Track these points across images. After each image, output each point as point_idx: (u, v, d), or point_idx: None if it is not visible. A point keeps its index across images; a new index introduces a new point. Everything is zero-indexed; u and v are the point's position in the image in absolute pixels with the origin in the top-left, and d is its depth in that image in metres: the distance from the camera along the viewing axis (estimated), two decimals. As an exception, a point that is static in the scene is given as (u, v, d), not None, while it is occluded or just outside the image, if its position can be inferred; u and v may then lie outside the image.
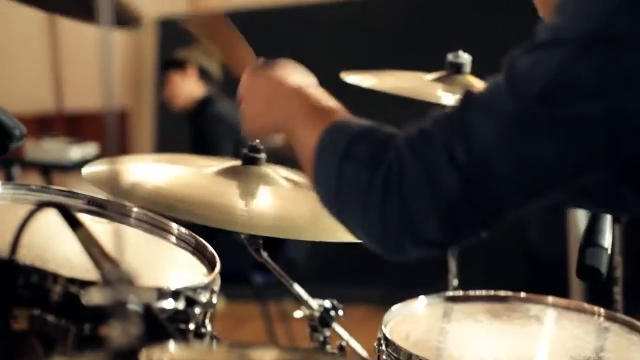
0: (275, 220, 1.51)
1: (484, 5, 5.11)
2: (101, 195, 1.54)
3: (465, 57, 2.03)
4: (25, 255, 1.13)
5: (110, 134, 0.88)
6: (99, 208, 1.53)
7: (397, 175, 0.99)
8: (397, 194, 0.99)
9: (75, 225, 1.03)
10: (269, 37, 4.81)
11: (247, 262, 3.11)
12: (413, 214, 0.99)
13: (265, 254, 1.67)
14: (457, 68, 2.02)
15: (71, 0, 1.12)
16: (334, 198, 1.07)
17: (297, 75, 1.26)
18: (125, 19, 1.20)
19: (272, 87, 1.25)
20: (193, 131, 4.48)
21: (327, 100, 1.18)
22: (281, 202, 1.57)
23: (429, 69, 2.07)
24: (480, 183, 0.97)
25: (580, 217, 3.47)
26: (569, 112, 0.94)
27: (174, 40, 5.78)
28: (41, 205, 1.03)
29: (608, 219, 1.61)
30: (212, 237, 1.54)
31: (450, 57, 2.03)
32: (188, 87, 4.45)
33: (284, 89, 1.23)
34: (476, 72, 2.02)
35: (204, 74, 4.46)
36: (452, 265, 2.13)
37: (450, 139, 0.98)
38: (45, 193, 1.52)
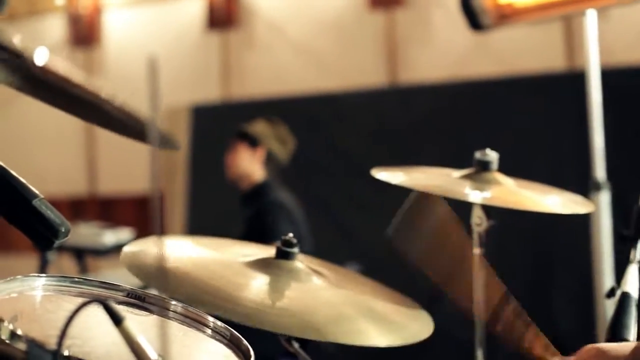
0: (301, 319, 1.52)
1: (510, 104, 5.17)
2: (137, 281, 1.59)
3: (492, 155, 2.08)
4: (66, 347, 1.17)
5: (156, 227, 0.94)
6: (138, 300, 1.57)
7: None
8: None
9: (117, 320, 1.08)
10: (303, 124, 4.91)
11: (278, 351, 3.12)
12: None
13: (296, 345, 1.68)
14: (484, 165, 2.07)
15: (120, 122, 1.19)
16: None
17: None
18: (164, 143, 1.27)
19: None
20: (250, 214, 4.34)
21: None
22: (309, 300, 1.59)
23: (456, 160, 2.13)
24: None
25: (608, 309, 3.47)
26: None
27: (206, 127, 5.92)
28: (87, 302, 1.08)
29: (634, 313, 1.64)
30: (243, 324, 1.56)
31: (478, 154, 2.08)
32: (253, 166, 4.39)
33: None
34: (503, 169, 2.07)
35: (271, 158, 4.40)
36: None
37: None
38: (87, 285, 1.56)
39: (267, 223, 4.14)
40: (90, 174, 6.80)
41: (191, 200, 6.15)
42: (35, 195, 1.31)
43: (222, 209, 5.31)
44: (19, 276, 1.47)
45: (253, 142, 4.38)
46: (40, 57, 0.98)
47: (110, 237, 4.69)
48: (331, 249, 4.94)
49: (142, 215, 6.53)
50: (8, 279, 1.45)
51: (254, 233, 3.97)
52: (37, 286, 1.50)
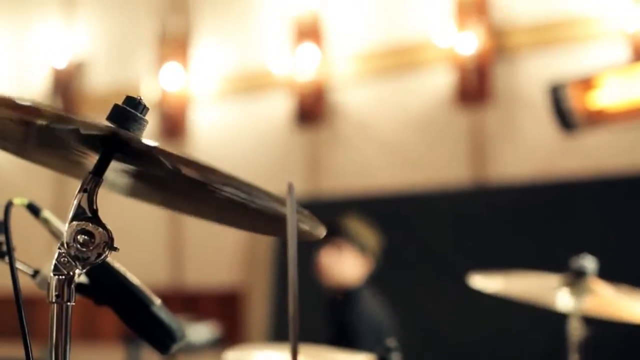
0: None
1: (609, 206, 5.10)
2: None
3: (589, 261, 2.05)
4: None
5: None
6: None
7: None
8: None
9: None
10: (388, 221, 4.90)
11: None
12: None
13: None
14: (581, 272, 2.04)
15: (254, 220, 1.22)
16: None
17: None
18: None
19: None
20: (339, 320, 4.07)
21: None
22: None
23: (545, 261, 2.10)
24: None
25: None
26: None
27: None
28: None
29: None
30: None
31: (574, 261, 2.06)
32: (352, 271, 4.10)
33: None
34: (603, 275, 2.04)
35: (362, 250, 4.11)
36: None
37: None
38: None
39: (353, 334, 3.97)
40: (174, 266, 6.89)
41: (276, 296, 6.15)
42: (153, 302, 1.35)
43: (307, 307, 5.29)
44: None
45: (356, 245, 4.11)
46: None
47: (196, 332, 4.71)
48: (417, 349, 4.88)
49: (227, 309, 6.56)
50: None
51: (340, 340, 3.83)
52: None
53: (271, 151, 6.62)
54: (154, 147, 0.99)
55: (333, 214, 4.41)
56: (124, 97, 1.11)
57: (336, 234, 4.07)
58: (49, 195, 7.36)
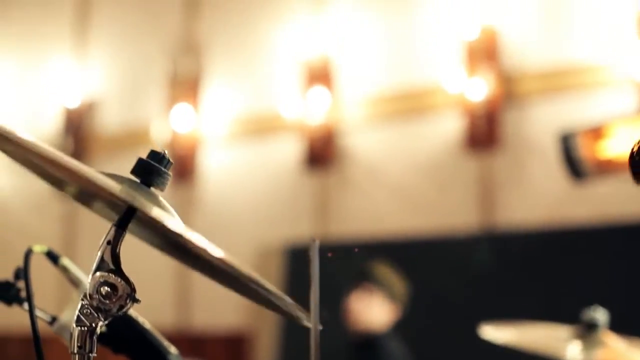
0: None
1: (619, 255, 5.09)
2: None
3: (601, 314, 2.06)
4: None
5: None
6: None
7: None
8: None
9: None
10: (397, 265, 4.90)
11: None
12: None
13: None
14: (592, 324, 2.05)
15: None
16: None
17: None
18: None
19: None
20: None
21: None
22: None
23: (554, 310, 2.10)
24: None
25: None
26: None
27: (301, 267, 5.95)
28: None
29: None
30: None
31: (585, 313, 2.06)
32: (381, 317, 4.17)
33: None
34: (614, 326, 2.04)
35: (392, 297, 4.18)
36: None
37: None
38: None
39: None
40: (181, 308, 6.88)
41: (283, 339, 6.14)
42: (169, 351, 1.36)
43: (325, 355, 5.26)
44: None
45: (386, 292, 4.16)
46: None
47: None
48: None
49: (234, 352, 6.54)
50: None
51: None
52: None
53: (280, 194, 6.64)
54: (178, 234, 0.99)
55: (341, 258, 4.44)
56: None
57: (367, 279, 4.15)
58: (57, 233, 7.40)
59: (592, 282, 4.88)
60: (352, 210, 6.34)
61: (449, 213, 5.96)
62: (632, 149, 1.23)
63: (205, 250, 1.00)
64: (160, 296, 6.89)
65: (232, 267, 1.05)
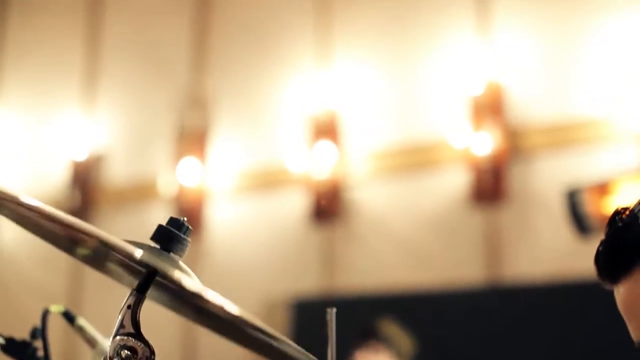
0: None
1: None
2: None
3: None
4: None
5: None
6: None
7: None
8: None
9: None
10: (404, 321, 4.89)
11: None
12: None
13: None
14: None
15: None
16: None
17: None
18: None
19: None
20: None
21: None
22: None
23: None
24: None
25: None
26: None
27: (307, 321, 5.94)
28: None
29: None
30: None
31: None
32: None
33: None
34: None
35: (399, 354, 4.15)
36: None
37: None
38: None
39: None
40: (187, 356, 6.85)
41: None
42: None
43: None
44: None
45: (392, 349, 4.12)
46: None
47: None
48: None
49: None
50: None
51: None
52: None
53: (287, 247, 6.65)
54: (197, 294, 1.02)
55: (347, 311, 4.43)
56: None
57: (373, 336, 4.10)
58: (63, 287, 7.39)
59: (597, 336, 4.86)
60: (358, 264, 6.34)
61: (455, 267, 5.96)
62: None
63: (222, 309, 1.02)
64: (166, 350, 6.86)
65: (259, 329, 1.06)
